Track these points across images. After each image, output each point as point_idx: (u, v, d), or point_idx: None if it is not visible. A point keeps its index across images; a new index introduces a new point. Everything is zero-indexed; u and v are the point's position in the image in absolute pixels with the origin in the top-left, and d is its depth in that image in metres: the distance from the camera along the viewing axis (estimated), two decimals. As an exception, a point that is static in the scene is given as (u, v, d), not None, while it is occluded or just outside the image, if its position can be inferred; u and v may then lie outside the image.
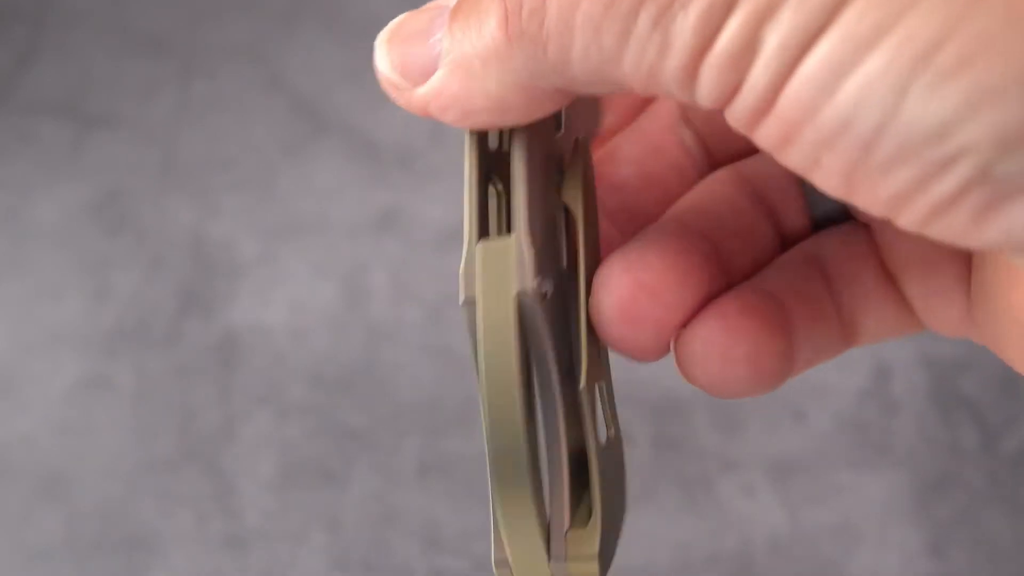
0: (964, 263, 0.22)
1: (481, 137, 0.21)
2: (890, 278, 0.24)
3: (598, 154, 0.25)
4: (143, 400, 0.66)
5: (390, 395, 0.66)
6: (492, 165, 0.21)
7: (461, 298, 0.19)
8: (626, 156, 0.25)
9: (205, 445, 0.65)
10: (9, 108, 0.76)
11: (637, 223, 0.25)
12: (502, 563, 0.20)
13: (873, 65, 0.15)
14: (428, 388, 0.66)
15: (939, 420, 0.64)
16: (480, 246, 0.20)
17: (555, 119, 0.23)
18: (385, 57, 0.22)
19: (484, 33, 0.20)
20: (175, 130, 0.75)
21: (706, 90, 0.17)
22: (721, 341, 0.21)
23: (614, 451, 0.22)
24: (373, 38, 0.23)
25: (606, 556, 0.21)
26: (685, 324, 0.22)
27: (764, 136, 0.17)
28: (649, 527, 0.62)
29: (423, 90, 0.21)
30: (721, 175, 0.24)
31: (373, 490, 0.63)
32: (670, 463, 0.64)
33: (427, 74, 0.21)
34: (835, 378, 0.65)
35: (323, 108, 0.76)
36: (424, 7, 0.22)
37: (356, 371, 0.66)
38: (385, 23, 0.24)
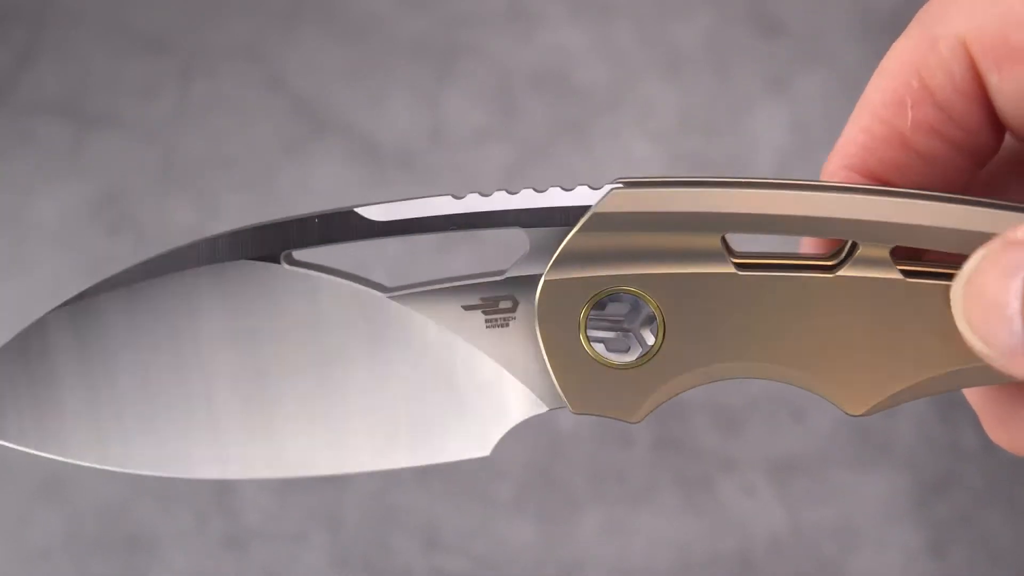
0: None
1: None
2: None
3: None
4: (143, 400, 0.66)
5: (390, 395, 0.66)
6: None
7: None
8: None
9: (205, 445, 0.64)
10: (9, 108, 0.76)
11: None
12: None
13: None
14: (428, 388, 0.66)
15: (939, 420, 0.64)
16: None
17: None
18: (962, 315, 0.21)
19: None
20: (175, 130, 0.75)
21: None
22: None
23: None
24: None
25: None
26: None
27: None
28: (649, 527, 0.62)
29: (1016, 366, 0.20)
30: None
31: (373, 490, 0.63)
32: (670, 463, 0.64)
33: (1008, 351, 0.20)
34: (835, 378, 0.65)
35: (323, 108, 0.76)
36: (1012, 242, 0.20)
37: (356, 371, 0.66)
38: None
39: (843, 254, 0.22)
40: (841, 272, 0.22)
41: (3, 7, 0.80)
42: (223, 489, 0.64)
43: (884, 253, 0.22)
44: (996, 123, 0.23)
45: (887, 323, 0.22)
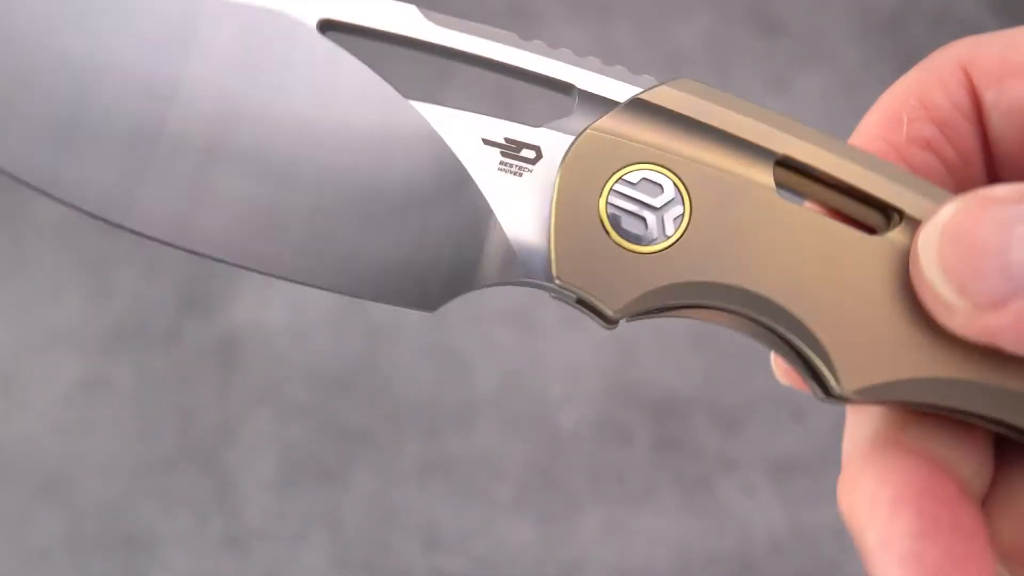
0: None
1: None
2: None
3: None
4: (143, 400, 0.66)
5: (390, 395, 0.66)
6: None
7: None
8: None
9: (205, 445, 0.65)
10: (9, 108, 0.76)
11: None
12: None
13: None
14: (428, 388, 0.66)
15: (939, 420, 0.65)
16: None
17: None
18: (935, 261, 0.19)
19: None
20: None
21: None
22: None
23: None
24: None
25: None
26: None
27: None
28: (649, 527, 0.62)
29: (994, 320, 0.19)
30: None
31: (373, 490, 0.63)
32: (670, 463, 0.64)
33: (996, 298, 0.18)
34: (835, 378, 0.66)
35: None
36: (993, 199, 0.19)
37: (356, 371, 0.66)
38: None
39: (892, 222, 0.21)
40: (888, 235, 0.21)
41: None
42: (223, 489, 0.64)
43: None
44: (987, 154, 0.23)
45: (914, 303, 0.20)
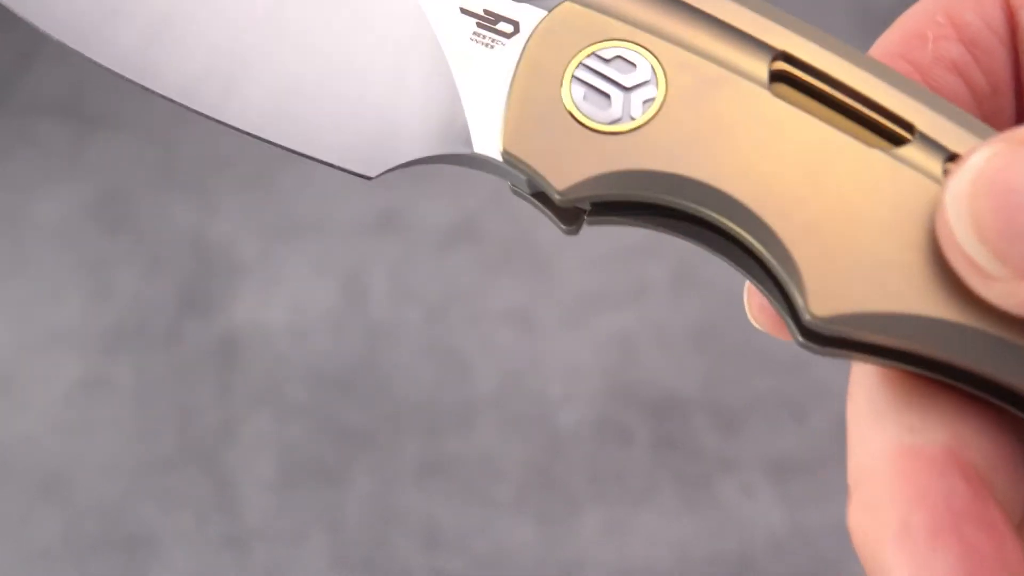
0: None
1: None
2: None
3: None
4: (143, 400, 0.66)
5: (390, 395, 0.66)
6: None
7: None
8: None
9: (205, 445, 0.65)
10: (9, 108, 0.76)
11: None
12: None
13: None
14: (428, 388, 0.66)
15: (939, 420, 0.64)
16: None
17: None
18: (967, 219, 0.16)
19: None
20: (175, 130, 0.75)
21: None
22: None
23: None
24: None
25: None
26: None
27: None
28: (649, 527, 0.62)
29: None
30: None
31: (373, 490, 0.63)
32: (670, 463, 0.64)
33: None
34: (835, 378, 0.65)
35: (323, 108, 0.76)
36: None
37: (356, 371, 0.66)
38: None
39: (904, 140, 0.18)
40: (895, 150, 0.18)
41: (3, 7, 0.80)
42: (223, 489, 0.64)
43: (939, 162, 0.18)
44: (1018, 83, 0.21)
45: (912, 232, 0.17)
